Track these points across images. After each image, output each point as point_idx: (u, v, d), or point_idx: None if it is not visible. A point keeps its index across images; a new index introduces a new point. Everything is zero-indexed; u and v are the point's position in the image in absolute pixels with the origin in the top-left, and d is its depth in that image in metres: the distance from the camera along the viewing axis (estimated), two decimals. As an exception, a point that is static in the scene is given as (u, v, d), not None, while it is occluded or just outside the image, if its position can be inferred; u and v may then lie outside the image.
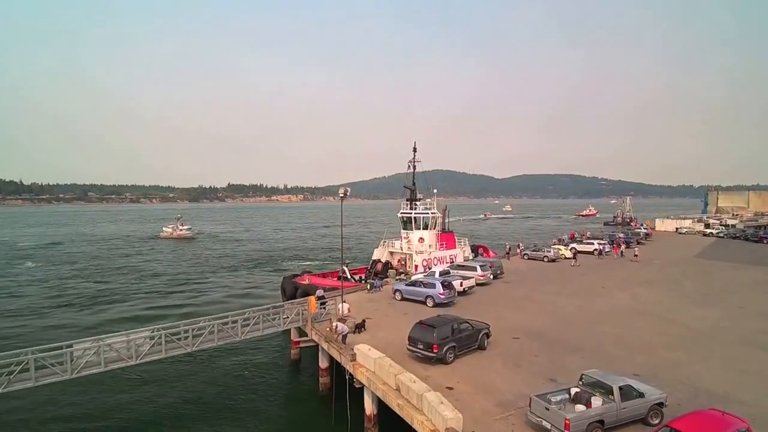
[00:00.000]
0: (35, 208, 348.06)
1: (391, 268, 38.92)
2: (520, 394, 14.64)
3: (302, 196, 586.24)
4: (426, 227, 40.20)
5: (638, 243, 56.34)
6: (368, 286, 31.54)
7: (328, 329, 21.16)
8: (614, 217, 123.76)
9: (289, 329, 24.31)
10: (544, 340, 20.67)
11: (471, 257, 44.16)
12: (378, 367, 16.52)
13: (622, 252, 48.27)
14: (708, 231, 72.05)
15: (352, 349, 18.39)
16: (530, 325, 22.97)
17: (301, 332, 24.34)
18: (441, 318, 19.09)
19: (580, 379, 13.75)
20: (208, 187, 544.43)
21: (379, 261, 39.88)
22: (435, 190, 43.18)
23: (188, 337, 19.46)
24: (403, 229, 41.26)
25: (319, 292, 26.48)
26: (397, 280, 33.75)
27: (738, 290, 31.62)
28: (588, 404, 12.45)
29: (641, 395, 12.98)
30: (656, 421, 12.88)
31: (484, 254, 48.37)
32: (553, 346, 19.88)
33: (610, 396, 12.64)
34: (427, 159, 43.66)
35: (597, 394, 12.78)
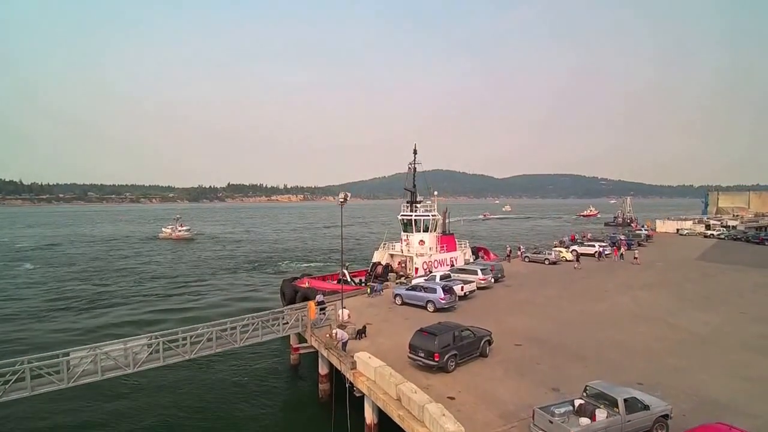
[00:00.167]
0: (35, 208, 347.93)
1: (392, 270, 38.63)
2: (523, 404, 14.44)
3: (302, 196, 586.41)
4: (426, 230, 39.96)
5: (639, 245, 56.11)
6: (368, 290, 31.30)
7: (327, 336, 20.93)
8: (615, 217, 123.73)
9: (289, 335, 24.08)
10: (546, 346, 20.48)
11: (471, 259, 43.96)
12: (378, 377, 16.28)
13: (622, 254, 48.01)
14: (709, 232, 71.93)
15: (353, 357, 18.17)
16: (532, 331, 22.79)
17: (301, 338, 24.09)
18: (442, 325, 18.86)
19: (584, 390, 13.53)
20: (207, 187, 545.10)
21: (379, 264, 39.61)
22: (435, 192, 42.91)
23: (186, 344, 19.16)
24: (404, 231, 40.99)
25: (319, 297, 26.31)
26: (397, 284, 33.54)
27: (740, 294, 31.48)
28: (592, 417, 12.22)
29: (646, 408, 12.77)
30: (661, 434, 12.67)
31: (485, 256, 48.22)
32: (555, 352, 19.69)
33: (615, 408, 12.42)
34: (426, 159, 43.47)
35: (601, 406, 12.58)
